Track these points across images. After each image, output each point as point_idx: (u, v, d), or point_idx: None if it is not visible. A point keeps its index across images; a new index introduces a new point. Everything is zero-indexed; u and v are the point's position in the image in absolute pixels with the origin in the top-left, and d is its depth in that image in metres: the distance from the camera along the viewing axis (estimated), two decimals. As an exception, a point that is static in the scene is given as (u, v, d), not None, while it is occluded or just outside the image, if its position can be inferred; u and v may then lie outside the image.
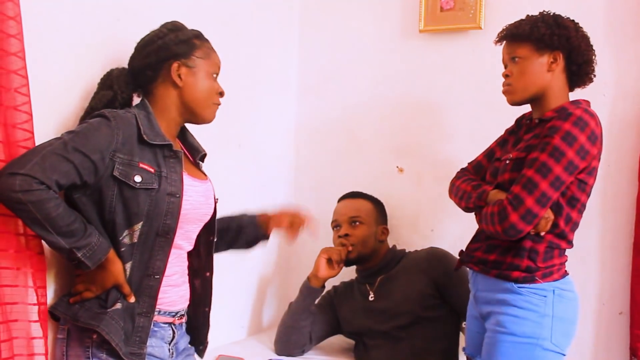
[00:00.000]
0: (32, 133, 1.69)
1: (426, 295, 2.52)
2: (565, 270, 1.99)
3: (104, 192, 1.74)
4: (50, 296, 1.83)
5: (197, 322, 2.04)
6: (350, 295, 2.69)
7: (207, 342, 2.08)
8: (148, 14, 2.17)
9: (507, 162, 2.00)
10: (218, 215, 2.06)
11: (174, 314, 1.91)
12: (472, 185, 2.09)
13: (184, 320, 1.98)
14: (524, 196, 1.85)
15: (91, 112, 1.81)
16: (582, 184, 1.92)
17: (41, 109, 1.75)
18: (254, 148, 2.86)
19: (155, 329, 1.86)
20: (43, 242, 1.71)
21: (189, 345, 2.04)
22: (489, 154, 2.21)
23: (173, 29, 1.91)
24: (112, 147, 1.72)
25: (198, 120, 1.95)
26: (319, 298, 2.68)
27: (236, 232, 2.18)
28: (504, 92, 2.05)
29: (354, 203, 2.71)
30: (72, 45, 1.91)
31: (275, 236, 3.01)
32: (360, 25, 2.98)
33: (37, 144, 1.68)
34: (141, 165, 1.76)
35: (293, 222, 2.22)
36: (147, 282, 1.80)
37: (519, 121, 2.15)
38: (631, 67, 2.43)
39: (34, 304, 1.72)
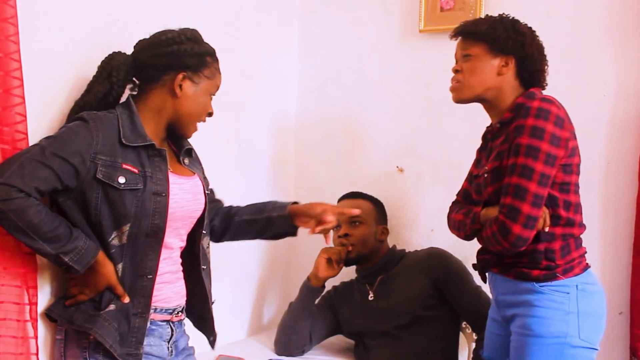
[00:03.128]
0: (26, 134, 1.70)
1: (426, 295, 2.51)
2: (587, 263, 1.96)
3: (88, 194, 1.74)
4: (47, 298, 1.84)
5: (202, 315, 2.05)
6: (350, 295, 2.69)
7: (215, 333, 2.09)
8: (148, 14, 2.18)
9: (486, 175, 1.97)
10: (247, 202, 2.14)
11: (170, 311, 1.91)
12: (462, 213, 2.06)
13: (182, 317, 1.98)
14: (518, 205, 1.81)
15: (84, 107, 1.80)
16: (567, 167, 1.88)
17: (36, 110, 1.75)
18: (254, 148, 2.86)
19: (153, 327, 1.87)
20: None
21: (189, 345, 2.04)
22: (470, 177, 2.17)
23: (192, 38, 1.88)
24: (92, 150, 1.71)
25: (180, 132, 1.93)
26: (319, 298, 2.68)
27: (264, 225, 2.15)
28: (451, 89, 2.03)
29: (354, 203, 2.70)
30: (69, 46, 1.91)
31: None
32: (360, 25, 2.98)
33: (30, 144, 1.69)
34: (124, 166, 1.76)
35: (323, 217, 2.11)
36: (141, 283, 1.80)
37: (485, 136, 2.12)
38: (632, 67, 2.42)
39: (25, 304, 1.73)
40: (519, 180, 1.82)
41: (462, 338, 2.61)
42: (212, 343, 2.11)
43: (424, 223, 2.83)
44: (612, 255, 2.47)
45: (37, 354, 1.74)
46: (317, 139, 3.09)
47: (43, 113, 1.81)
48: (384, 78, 2.92)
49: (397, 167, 2.89)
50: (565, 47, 2.52)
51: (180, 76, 1.84)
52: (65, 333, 1.80)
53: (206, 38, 1.94)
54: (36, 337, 1.75)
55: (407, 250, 2.72)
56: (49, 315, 1.82)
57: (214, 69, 1.91)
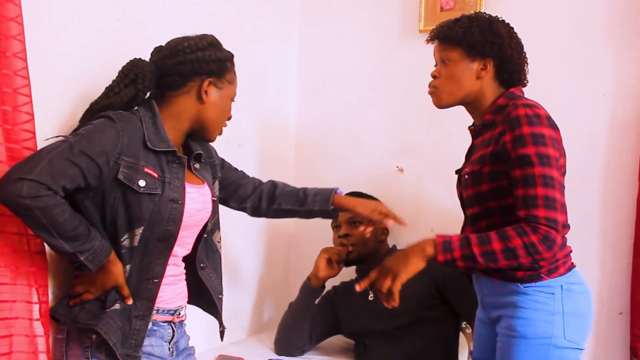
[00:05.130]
0: (34, 133, 1.70)
1: (426, 295, 2.52)
2: (572, 263, 1.94)
3: (107, 194, 1.73)
4: (49, 297, 1.83)
5: (210, 307, 2.07)
6: (350, 296, 2.68)
7: (224, 326, 2.10)
8: (148, 14, 2.18)
9: (467, 177, 1.96)
10: (286, 184, 2.22)
11: (172, 311, 1.91)
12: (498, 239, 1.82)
13: (183, 318, 1.98)
14: (554, 216, 1.75)
15: (108, 108, 1.78)
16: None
17: (42, 109, 1.75)
18: (254, 148, 2.86)
19: (155, 328, 1.86)
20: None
21: (189, 345, 2.04)
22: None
23: (213, 44, 1.88)
24: (117, 150, 1.71)
25: (204, 137, 1.94)
26: (319, 298, 2.68)
27: (304, 214, 2.22)
28: (430, 94, 2.02)
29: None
30: (73, 45, 1.91)
31: (276, 237, 3.04)
32: (360, 25, 2.98)
33: (38, 144, 1.69)
34: (146, 169, 1.75)
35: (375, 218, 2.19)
36: (146, 286, 1.80)
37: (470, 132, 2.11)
38: (632, 67, 2.43)
39: (35, 303, 1.73)
40: (546, 190, 1.76)
41: (462, 338, 2.61)
42: (222, 334, 2.11)
43: (424, 223, 2.83)
44: (612, 255, 2.47)
45: (47, 352, 1.74)
46: (317, 139, 3.09)
47: (50, 112, 1.81)
48: (384, 78, 2.93)
49: (397, 167, 2.90)
50: (565, 47, 2.53)
51: (206, 82, 1.84)
52: (67, 332, 1.79)
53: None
54: (47, 335, 1.75)
55: (407, 250, 2.72)
56: (51, 315, 1.81)
57: (233, 73, 1.93)
